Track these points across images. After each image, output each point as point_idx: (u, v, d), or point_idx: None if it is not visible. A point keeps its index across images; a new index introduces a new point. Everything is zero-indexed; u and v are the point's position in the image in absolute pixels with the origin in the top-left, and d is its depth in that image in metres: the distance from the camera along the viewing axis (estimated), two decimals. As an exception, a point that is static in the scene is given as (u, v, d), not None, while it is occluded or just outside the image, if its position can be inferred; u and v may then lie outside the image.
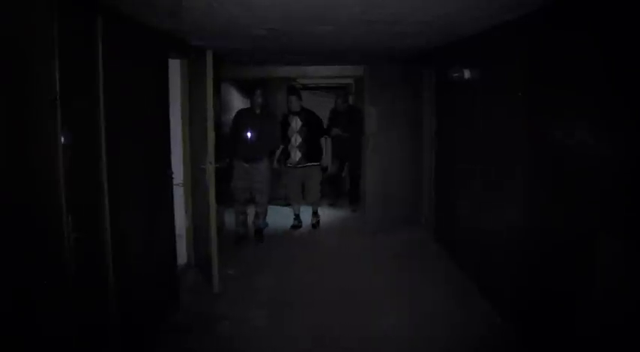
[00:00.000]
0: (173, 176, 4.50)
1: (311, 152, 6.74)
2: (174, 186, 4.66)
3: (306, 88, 9.54)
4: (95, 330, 2.90)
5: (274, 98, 8.54)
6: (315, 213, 7.24)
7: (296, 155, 6.69)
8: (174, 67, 4.98)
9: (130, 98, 3.51)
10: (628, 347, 2.45)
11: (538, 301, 3.40)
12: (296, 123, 6.65)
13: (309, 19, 3.69)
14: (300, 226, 7.07)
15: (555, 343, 3.16)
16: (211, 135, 4.47)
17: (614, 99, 2.58)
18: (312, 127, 6.75)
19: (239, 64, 7.13)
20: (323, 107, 8.79)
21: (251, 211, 6.59)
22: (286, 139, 6.66)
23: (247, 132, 6.18)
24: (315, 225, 7.18)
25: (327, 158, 6.64)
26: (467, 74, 4.74)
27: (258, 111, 6.29)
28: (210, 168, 4.52)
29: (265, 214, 6.59)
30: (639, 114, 2.40)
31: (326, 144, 8.41)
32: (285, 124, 6.66)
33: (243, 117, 6.34)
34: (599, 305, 2.66)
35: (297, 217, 7.14)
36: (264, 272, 5.34)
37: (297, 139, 6.66)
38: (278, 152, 6.51)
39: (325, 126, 7.75)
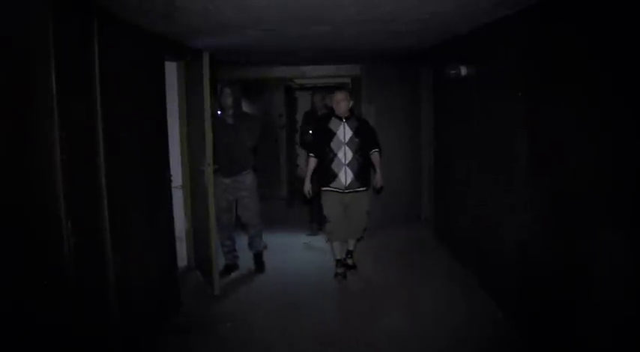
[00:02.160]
0: (172, 178, 4.49)
1: (363, 172, 4.99)
2: (173, 189, 4.65)
3: (303, 87, 9.53)
4: (96, 332, 2.89)
5: (271, 99, 8.53)
6: (350, 253, 5.35)
7: (346, 176, 4.89)
8: (171, 68, 4.97)
9: (127, 100, 3.50)
10: (628, 340, 2.45)
11: (540, 297, 3.40)
12: (344, 131, 4.91)
13: (304, 20, 3.68)
14: (346, 275, 5.14)
15: (556, 338, 3.16)
16: (209, 136, 4.47)
17: (613, 94, 2.58)
18: (366, 139, 4.99)
19: (236, 65, 7.11)
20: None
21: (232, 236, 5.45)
22: (328, 152, 4.91)
23: (220, 141, 4.94)
24: (351, 267, 5.33)
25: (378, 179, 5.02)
26: (464, 71, 4.75)
27: (229, 113, 5.12)
28: (209, 170, 4.52)
29: (260, 234, 5.45)
30: (637, 109, 2.40)
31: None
32: (326, 131, 4.95)
33: (216, 126, 4.85)
34: (600, 300, 2.66)
35: (340, 262, 5.16)
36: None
37: (346, 154, 4.89)
38: (310, 167, 5.01)
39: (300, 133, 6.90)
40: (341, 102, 4.86)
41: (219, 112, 5.10)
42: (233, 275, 5.25)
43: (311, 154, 5.02)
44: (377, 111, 6.96)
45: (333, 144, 4.88)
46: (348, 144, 4.86)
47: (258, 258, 5.45)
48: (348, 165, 4.87)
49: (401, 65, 6.97)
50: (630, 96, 2.44)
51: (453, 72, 4.82)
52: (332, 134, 4.90)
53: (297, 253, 6.09)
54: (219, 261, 4.98)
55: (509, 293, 3.91)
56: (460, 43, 4.81)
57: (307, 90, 9.91)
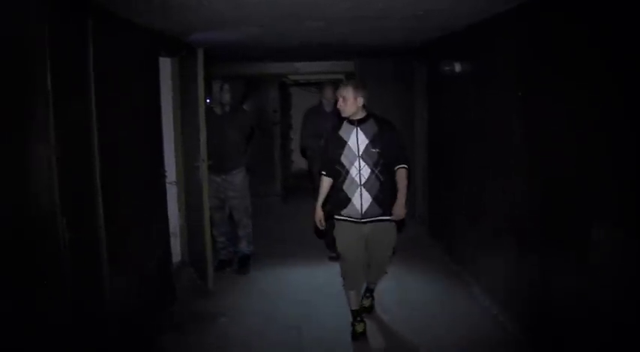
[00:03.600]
0: (166, 174, 4.49)
1: (387, 195, 3.69)
2: (168, 185, 4.66)
3: (297, 83, 9.54)
4: (92, 328, 2.90)
5: (266, 95, 8.53)
6: (370, 292, 4.24)
7: (362, 201, 3.66)
8: (166, 64, 4.96)
9: (122, 97, 3.50)
10: (623, 335, 2.48)
11: (535, 293, 3.43)
12: (357, 139, 3.65)
13: (299, 15, 3.69)
14: (365, 332, 3.83)
15: (552, 334, 3.19)
16: (203, 133, 4.47)
17: (609, 90, 2.59)
18: (388, 149, 3.67)
19: (230, 62, 7.11)
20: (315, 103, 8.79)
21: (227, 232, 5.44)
22: (339, 169, 3.71)
23: (212, 138, 4.70)
24: (369, 310, 4.16)
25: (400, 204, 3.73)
26: (458, 68, 4.76)
27: (226, 109, 5.09)
28: (203, 165, 4.52)
29: (249, 237, 5.37)
30: (632, 106, 2.43)
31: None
32: (335, 140, 3.74)
33: (208, 119, 4.66)
34: (594, 293, 2.69)
35: (357, 316, 3.85)
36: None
37: (362, 171, 3.64)
38: (322, 190, 3.85)
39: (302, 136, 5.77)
40: (346, 100, 3.60)
41: (207, 101, 4.92)
42: (228, 270, 5.25)
43: (322, 173, 3.84)
44: (370, 106, 6.97)
45: (344, 158, 3.64)
46: (363, 156, 3.61)
47: (244, 261, 5.35)
48: (365, 185, 3.62)
49: (395, 61, 6.98)
50: (626, 93, 2.46)
51: (448, 68, 4.84)
52: (342, 144, 3.66)
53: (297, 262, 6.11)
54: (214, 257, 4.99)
55: (504, 289, 3.95)
56: (455, 39, 4.82)
57: (301, 85, 9.93)
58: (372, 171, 3.62)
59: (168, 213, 4.63)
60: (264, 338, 3.80)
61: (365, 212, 3.66)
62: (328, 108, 5.53)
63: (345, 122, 3.72)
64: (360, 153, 3.62)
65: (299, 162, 10.56)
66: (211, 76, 5.32)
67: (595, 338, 2.70)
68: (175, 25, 3.92)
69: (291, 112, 10.36)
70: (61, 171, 2.51)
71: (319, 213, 3.85)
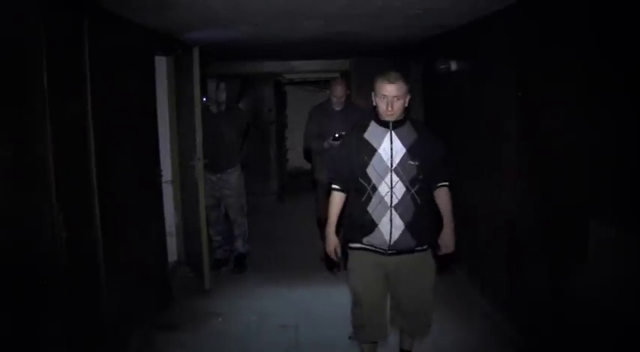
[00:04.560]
0: (162, 173, 4.49)
1: (424, 221, 2.90)
2: (163, 184, 4.65)
3: (292, 82, 9.53)
4: (87, 327, 2.89)
5: (261, 94, 8.52)
6: None
7: (391, 227, 2.83)
8: (161, 63, 4.95)
9: (118, 96, 3.49)
10: (620, 332, 2.49)
11: (533, 291, 3.44)
12: (392, 147, 2.82)
13: (295, 14, 3.68)
14: None
15: (549, 332, 3.20)
16: (199, 132, 4.46)
17: (608, 88, 2.60)
18: (430, 162, 2.86)
19: (226, 60, 7.09)
20: (310, 102, 8.78)
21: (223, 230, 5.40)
22: (362, 184, 2.85)
23: (208, 137, 4.64)
24: None
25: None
26: (455, 66, 4.76)
27: (222, 108, 5.05)
28: (199, 164, 4.51)
29: (245, 236, 5.32)
30: (628, 105, 2.44)
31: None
32: (360, 147, 2.87)
33: (204, 118, 4.62)
34: (592, 291, 2.70)
35: None
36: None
37: (395, 188, 2.81)
38: (332, 210, 3.01)
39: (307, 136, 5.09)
40: (398, 100, 2.72)
41: (204, 99, 4.90)
42: (223, 269, 5.24)
43: (335, 186, 3.00)
44: (366, 106, 6.96)
45: (371, 170, 2.78)
46: (397, 170, 2.76)
47: (240, 260, 5.32)
48: (397, 207, 2.77)
49: (390, 60, 6.96)
50: (626, 90, 2.47)
51: (444, 67, 4.84)
52: (370, 152, 2.79)
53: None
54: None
55: (502, 290, 3.94)
56: (451, 37, 4.82)
57: (297, 84, 9.92)
58: (408, 190, 2.78)
59: (164, 212, 4.62)
60: (260, 338, 3.80)
61: (395, 242, 2.80)
62: (338, 107, 4.94)
63: (373, 122, 2.86)
64: (395, 165, 2.76)
65: (294, 161, 10.56)
66: (207, 75, 5.32)
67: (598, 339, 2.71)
68: (171, 23, 3.91)
69: (287, 111, 10.35)
70: (58, 170, 2.50)
71: (333, 240, 3.00)
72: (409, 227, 2.81)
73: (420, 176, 2.80)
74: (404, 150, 2.78)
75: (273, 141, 8.64)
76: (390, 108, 2.70)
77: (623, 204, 2.47)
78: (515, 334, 3.57)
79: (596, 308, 2.63)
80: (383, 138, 2.80)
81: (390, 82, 2.70)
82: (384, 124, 2.82)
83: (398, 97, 2.70)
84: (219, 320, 4.09)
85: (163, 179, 4.61)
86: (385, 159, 2.78)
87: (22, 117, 2.34)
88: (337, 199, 3.00)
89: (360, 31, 4.59)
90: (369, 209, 2.83)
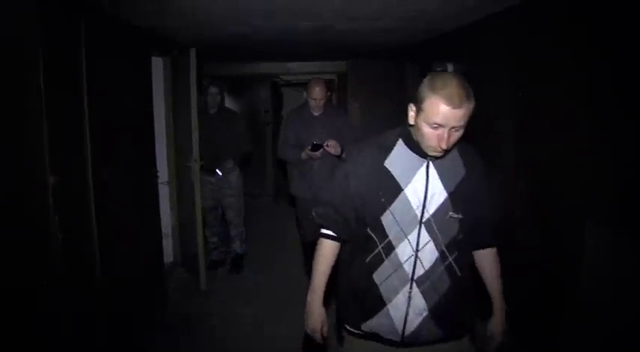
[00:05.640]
0: (158, 174, 4.48)
1: (460, 302, 1.92)
2: (160, 185, 4.64)
3: (288, 84, 9.53)
4: (83, 329, 2.88)
5: (258, 95, 8.52)
6: None
7: (407, 309, 1.87)
8: (158, 64, 4.95)
9: (114, 97, 3.48)
10: (616, 335, 2.50)
11: (529, 294, 3.45)
12: (428, 185, 1.85)
13: (292, 15, 3.68)
14: None
15: (545, 336, 3.21)
16: (196, 132, 4.46)
17: (604, 89, 2.62)
18: (478, 208, 1.90)
19: (222, 61, 7.10)
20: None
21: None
22: (368, 232, 1.90)
23: (204, 139, 4.62)
24: None
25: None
26: (450, 68, 4.77)
27: (213, 111, 4.98)
28: (195, 165, 4.51)
29: (242, 236, 5.33)
30: (624, 108, 2.45)
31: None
32: (372, 176, 1.88)
33: (201, 120, 4.65)
34: (587, 293, 2.71)
35: None
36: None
37: (423, 250, 1.85)
38: (318, 267, 2.02)
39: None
40: (454, 124, 1.72)
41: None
42: (220, 271, 5.24)
43: (325, 232, 2.03)
44: (362, 107, 6.99)
45: (388, 220, 1.86)
46: (430, 224, 1.85)
47: (238, 261, 5.32)
48: (422, 281, 1.87)
49: (387, 61, 7.00)
50: (623, 93, 2.49)
51: (439, 69, 4.85)
52: (392, 191, 1.86)
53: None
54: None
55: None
56: (447, 39, 4.83)
57: (293, 86, 9.92)
58: (443, 257, 1.86)
59: (160, 213, 4.61)
60: (257, 339, 3.80)
61: (412, 333, 1.89)
62: (317, 112, 4.30)
63: (400, 143, 1.90)
64: (427, 215, 1.84)
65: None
66: (203, 76, 5.32)
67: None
68: (168, 24, 3.91)
69: (283, 113, 10.35)
70: (54, 170, 2.50)
71: (317, 313, 2.01)
72: (435, 312, 1.87)
73: (461, 235, 1.87)
74: (444, 194, 1.83)
75: (269, 142, 8.64)
76: (443, 144, 1.72)
77: (618, 206, 2.48)
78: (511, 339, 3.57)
79: (592, 309, 2.64)
80: (415, 172, 1.84)
81: (454, 106, 1.66)
82: (418, 150, 1.85)
83: (458, 128, 1.73)
84: (215, 321, 4.08)
85: (160, 180, 4.61)
86: (414, 205, 1.82)
87: (19, 117, 2.34)
88: (327, 251, 2.01)
89: (356, 33, 4.59)
90: (377, 277, 1.89)
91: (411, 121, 1.83)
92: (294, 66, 7.62)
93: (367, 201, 1.88)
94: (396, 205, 1.83)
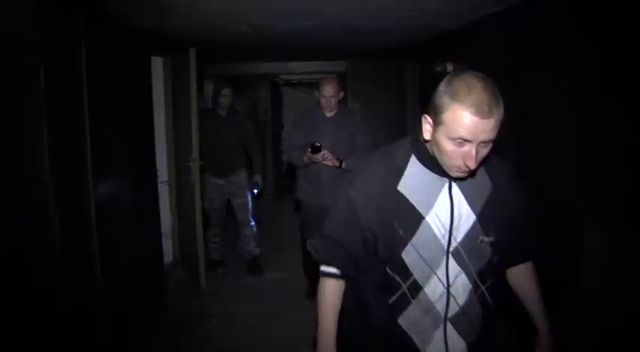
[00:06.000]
0: (158, 174, 4.48)
1: (497, 331, 1.74)
2: (159, 184, 4.64)
3: (288, 83, 9.53)
4: (83, 330, 2.88)
5: (257, 95, 8.52)
6: None
7: None
8: (158, 64, 4.95)
9: (114, 96, 3.48)
10: (616, 335, 2.50)
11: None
12: (453, 209, 1.54)
13: (294, 15, 3.68)
14: None
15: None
16: (195, 132, 4.46)
17: (604, 89, 2.61)
18: (512, 228, 1.62)
19: (222, 61, 7.09)
20: (305, 103, 8.78)
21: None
22: (388, 273, 1.57)
23: (213, 140, 4.74)
24: None
25: None
26: (450, 68, 4.77)
27: (223, 113, 4.92)
28: (195, 165, 4.51)
29: (256, 236, 5.20)
30: (624, 107, 2.45)
31: None
32: (389, 209, 1.53)
33: (205, 124, 4.75)
34: (587, 293, 2.71)
35: None
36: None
37: (455, 285, 1.56)
38: (327, 310, 1.68)
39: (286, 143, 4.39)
40: (483, 138, 1.41)
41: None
42: (219, 271, 5.23)
43: (328, 270, 1.69)
44: (362, 107, 6.98)
45: (411, 256, 1.54)
46: (458, 253, 1.55)
47: (256, 262, 5.22)
48: (457, 319, 1.58)
49: (387, 61, 7.00)
50: (622, 92, 2.48)
51: (439, 68, 4.84)
52: (412, 221, 1.53)
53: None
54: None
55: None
56: (447, 39, 4.83)
57: (293, 86, 9.93)
58: (476, 288, 1.60)
59: (160, 212, 4.61)
60: (256, 339, 3.80)
61: None
62: (329, 112, 4.00)
63: (414, 161, 1.58)
64: (455, 244, 1.55)
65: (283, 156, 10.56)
66: (203, 76, 5.31)
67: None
68: (168, 24, 3.91)
69: (282, 112, 10.35)
70: (54, 170, 2.50)
71: None
72: (474, 349, 1.63)
73: (495, 259, 1.59)
74: (472, 217, 1.55)
75: (269, 141, 8.64)
76: (471, 164, 1.40)
77: (617, 204, 2.48)
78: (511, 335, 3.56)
79: (592, 309, 2.64)
80: (436, 195, 1.54)
81: (483, 115, 1.36)
82: (439, 169, 1.52)
83: (487, 142, 1.43)
84: (215, 321, 4.08)
85: (159, 179, 4.60)
86: (439, 235, 1.53)
87: (18, 117, 2.34)
88: (334, 293, 1.67)
89: (357, 32, 4.59)
90: (404, 322, 1.59)
91: (427, 136, 1.51)
92: (294, 66, 7.62)
93: (382, 236, 1.55)
94: (418, 238, 1.52)
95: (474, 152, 1.39)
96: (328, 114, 4.01)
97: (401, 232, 1.52)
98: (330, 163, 3.85)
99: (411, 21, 4.02)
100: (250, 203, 5.10)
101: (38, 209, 2.45)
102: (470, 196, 1.56)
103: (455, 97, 1.38)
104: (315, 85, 4.26)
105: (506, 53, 3.67)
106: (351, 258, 1.63)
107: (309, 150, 3.81)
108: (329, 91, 3.91)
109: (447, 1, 3.38)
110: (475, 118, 1.35)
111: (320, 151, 3.81)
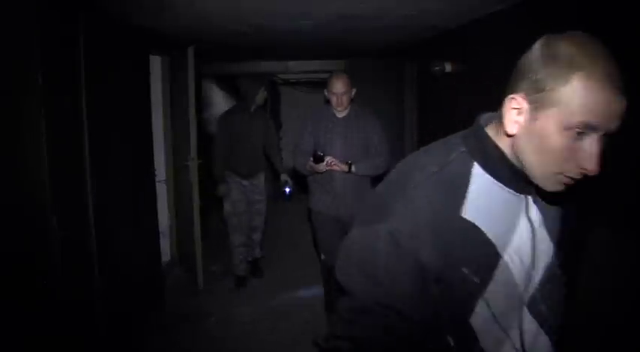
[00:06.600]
0: (156, 173, 4.47)
1: None
2: (157, 183, 4.63)
3: (287, 82, 9.52)
4: (81, 329, 2.87)
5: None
6: None
7: None
8: (156, 62, 4.94)
9: (112, 95, 3.47)
10: (616, 335, 2.50)
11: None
12: (536, 242, 1.06)
13: (293, 14, 3.67)
14: None
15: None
16: (194, 131, 4.44)
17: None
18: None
19: (220, 60, 7.08)
20: (304, 102, 8.77)
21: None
22: (446, 337, 1.04)
23: (242, 139, 4.55)
24: None
25: None
26: (449, 67, 4.76)
27: (252, 111, 4.67)
28: (193, 164, 4.50)
29: (261, 241, 5.08)
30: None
31: None
32: (453, 248, 0.98)
33: (236, 121, 4.55)
34: (587, 293, 2.71)
35: None
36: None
37: (534, 347, 1.08)
38: None
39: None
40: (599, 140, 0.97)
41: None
42: (216, 269, 5.20)
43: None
44: (360, 106, 6.97)
45: (482, 317, 1.02)
46: (534, 302, 1.07)
47: (255, 264, 5.11)
48: None
49: (385, 60, 6.99)
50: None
51: (438, 68, 4.84)
52: (485, 260, 1.01)
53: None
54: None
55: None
56: (446, 38, 4.83)
57: (291, 85, 9.92)
58: (549, 338, 1.15)
59: (158, 211, 4.60)
60: (254, 338, 3.79)
61: None
62: (340, 112, 3.62)
63: (477, 169, 1.08)
64: (533, 290, 1.08)
65: (288, 161, 10.50)
66: (202, 75, 5.30)
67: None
68: (167, 23, 3.90)
69: (280, 112, 10.34)
70: (52, 170, 2.49)
71: None
72: None
73: (570, 302, 1.21)
74: (551, 248, 1.11)
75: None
76: (593, 166, 1.00)
77: (618, 206, 2.48)
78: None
79: (592, 309, 2.64)
80: (515, 221, 1.07)
81: (619, 90, 1.00)
82: (517, 184, 1.08)
83: (610, 134, 1.06)
84: (212, 320, 4.07)
85: (157, 179, 4.59)
86: (518, 280, 1.06)
87: (16, 116, 2.33)
88: None
89: (356, 32, 4.58)
90: None
91: (512, 129, 1.06)
92: (293, 65, 7.61)
93: (447, 290, 1.01)
94: (494, 286, 1.02)
95: (597, 148, 0.97)
96: (339, 115, 3.61)
97: (474, 279, 1.00)
98: (337, 168, 3.47)
99: (410, 20, 4.02)
100: (265, 207, 4.95)
101: (37, 208, 2.44)
102: (547, 218, 1.10)
103: (577, 65, 0.95)
104: (313, 84, 3.92)
105: (506, 52, 3.66)
106: (403, 337, 1.00)
107: (312, 159, 3.48)
108: (339, 88, 3.50)
109: (446, 1, 3.38)
110: (611, 95, 0.95)
111: (323, 161, 3.45)
